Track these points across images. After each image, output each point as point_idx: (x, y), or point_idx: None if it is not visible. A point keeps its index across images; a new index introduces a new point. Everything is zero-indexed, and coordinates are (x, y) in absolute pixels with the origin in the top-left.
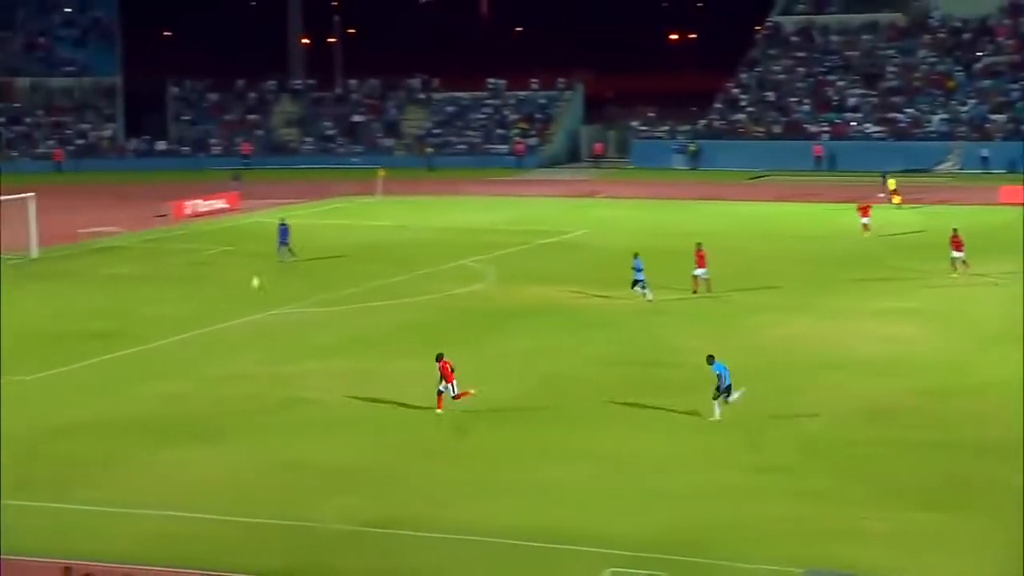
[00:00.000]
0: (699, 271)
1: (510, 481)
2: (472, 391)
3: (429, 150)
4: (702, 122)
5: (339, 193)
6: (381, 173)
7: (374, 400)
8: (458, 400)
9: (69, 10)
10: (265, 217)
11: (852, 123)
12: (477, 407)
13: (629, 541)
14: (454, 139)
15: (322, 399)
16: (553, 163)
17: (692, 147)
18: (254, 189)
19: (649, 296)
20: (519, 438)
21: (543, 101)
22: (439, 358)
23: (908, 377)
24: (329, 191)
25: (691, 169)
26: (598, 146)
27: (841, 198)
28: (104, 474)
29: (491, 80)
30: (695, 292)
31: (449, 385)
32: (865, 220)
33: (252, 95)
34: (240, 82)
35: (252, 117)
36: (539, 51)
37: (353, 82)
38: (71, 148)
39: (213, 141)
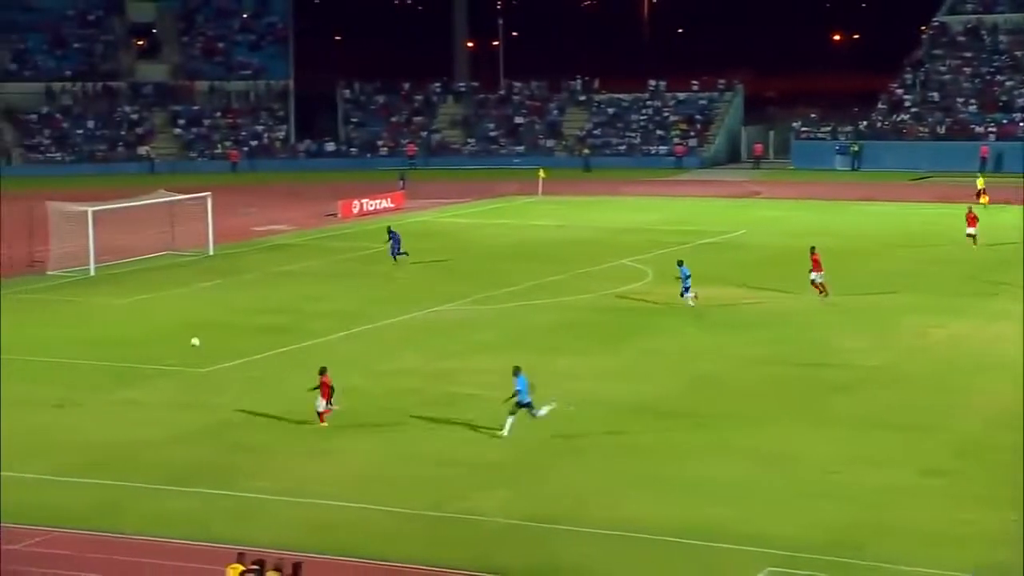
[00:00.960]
0: (815, 275)
1: (667, 477)
2: (336, 407)
3: (586, 151)
4: (864, 123)
5: (501, 193)
6: (542, 174)
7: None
8: (322, 418)
9: (245, 16)
10: (429, 216)
11: (1021, 123)
12: (637, 403)
13: (787, 541)
14: (614, 140)
15: (481, 395)
16: (713, 164)
17: (855, 147)
18: (418, 189)
19: (691, 302)
20: (677, 435)
21: (703, 102)
22: (322, 372)
23: None
24: (491, 191)
25: (853, 170)
26: (758, 147)
27: (1004, 199)
28: (274, 463)
29: (652, 81)
30: (824, 295)
31: (322, 401)
32: (971, 231)
33: (418, 97)
34: (406, 84)
35: (418, 119)
36: (700, 52)
37: (516, 84)
38: (245, 149)
39: (380, 142)
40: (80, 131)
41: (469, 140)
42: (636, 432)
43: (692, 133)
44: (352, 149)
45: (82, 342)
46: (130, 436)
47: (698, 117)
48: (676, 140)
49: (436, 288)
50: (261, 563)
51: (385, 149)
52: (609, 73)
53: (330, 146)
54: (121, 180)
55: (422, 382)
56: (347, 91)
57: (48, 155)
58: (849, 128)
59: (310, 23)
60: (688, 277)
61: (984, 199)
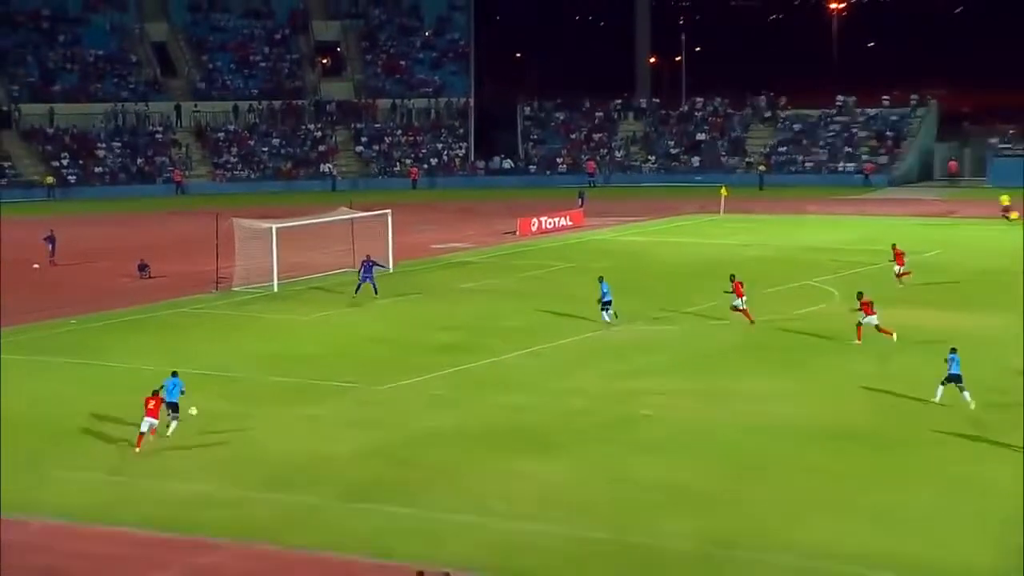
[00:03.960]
0: (737, 301)
1: (852, 503)
2: (167, 434)
3: (761, 167)
4: None
5: (681, 211)
6: (724, 191)
7: (710, 419)
8: (139, 444)
9: (427, 34)
10: (608, 234)
11: None
12: (820, 427)
13: (973, 571)
14: (799, 157)
15: (658, 416)
16: (904, 182)
17: None
18: (598, 207)
19: (607, 319)
20: (860, 460)
21: (895, 118)
22: (154, 393)
23: None
24: (672, 209)
25: None
26: (952, 164)
27: None
28: (452, 482)
29: (840, 97)
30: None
31: (148, 419)
32: None
33: (598, 114)
34: (587, 101)
35: (598, 136)
36: (891, 66)
37: (698, 100)
38: (425, 166)
39: (559, 159)
40: (265, 149)
41: (650, 157)
42: (819, 456)
43: (882, 150)
44: (531, 166)
45: (265, 358)
46: (311, 452)
47: (888, 133)
48: (865, 158)
49: (615, 307)
50: None
51: (564, 166)
52: (795, 88)
53: (508, 163)
54: (304, 197)
55: (598, 402)
56: (527, 108)
57: (235, 172)
58: None
59: (491, 40)
60: (607, 293)
61: (1014, 215)
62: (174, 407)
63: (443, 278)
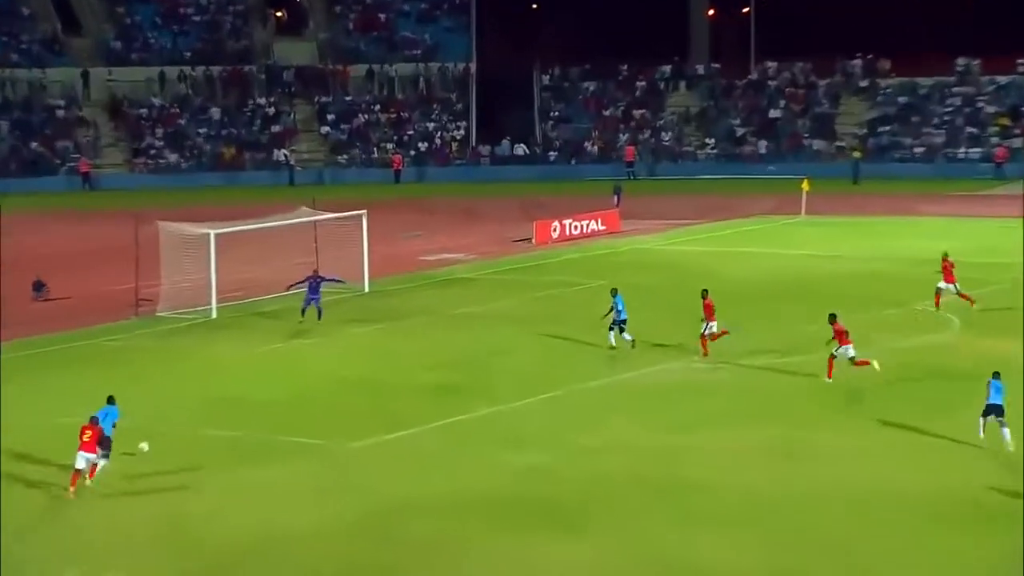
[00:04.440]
0: (711, 324)
1: None
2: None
3: (856, 154)
4: None
5: (749, 212)
6: (806, 186)
7: (782, 484)
8: (72, 484)
9: None
10: (652, 243)
11: None
12: (938, 496)
13: None
14: (907, 139)
15: (716, 479)
16: None
17: None
18: (639, 206)
19: (614, 341)
20: (991, 542)
21: None
22: (92, 420)
23: None
24: (736, 209)
25: None
26: None
27: None
28: (447, 567)
29: (961, 60)
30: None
31: (84, 454)
32: None
33: (639, 84)
34: (624, 67)
35: (639, 112)
36: None
37: (771, 65)
38: (412, 153)
39: (588, 143)
40: (201, 130)
41: (707, 141)
42: (926, 535)
43: (1017, 130)
44: (551, 153)
45: (200, 405)
46: (264, 529)
47: None
48: (995, 140)
49: (658, 339)
50: None
51: (595, 152)
52: (902, 50)
53: (522, 148)
54: (252, 193)
55: (638, 462)
56: (545, 76)
57: (160, 161)
58: None
59: None
60: (622, 311)
61: None
62: (104, 443)
63: (435, 300)
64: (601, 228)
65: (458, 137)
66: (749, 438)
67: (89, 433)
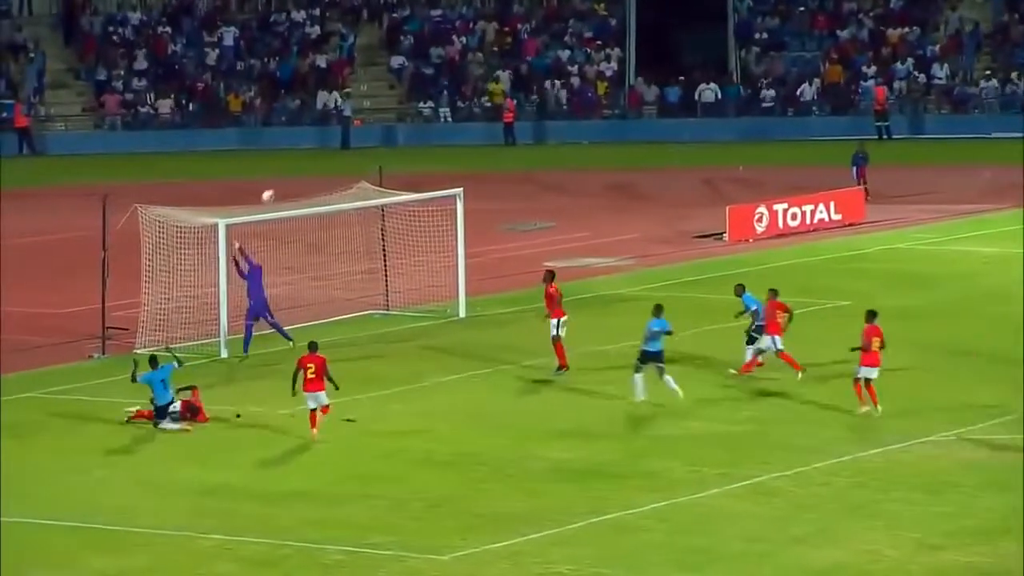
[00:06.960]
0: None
1: None
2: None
3: None
4: None
5: None
6: None
7: None
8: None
9: None
10: (917, 240)
11: None
12: None
13: None
14: None
15: None
16: None
17: None
18: (896, 181)
19: (638, 383)
20: None
21: None
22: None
23: None
24: None
25: None
26: None
27: None
28: None
29: None
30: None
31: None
32: None
33: None
34: None
35: (895, 33)
36: None
37: None
38: (532, 99)
39: (812, 83)
40: (206, 61)
41: (1011, 77)
42: None
43: None
44: (756, 98)
45: (209, 497)
46: None
47: None
48: None
49: (936, 393)
50: None
51: (820, 98)
52: None
53: (712, 91)
54: (284, 160)
55: None
56: None
57: (140, 108)
58: None
59: None
60: (655, 336)
61: None
62: (162, 411)
63: (571, 332)
64: (836, 218)
65: (608, 73)
66: None
67: (312, 367)
